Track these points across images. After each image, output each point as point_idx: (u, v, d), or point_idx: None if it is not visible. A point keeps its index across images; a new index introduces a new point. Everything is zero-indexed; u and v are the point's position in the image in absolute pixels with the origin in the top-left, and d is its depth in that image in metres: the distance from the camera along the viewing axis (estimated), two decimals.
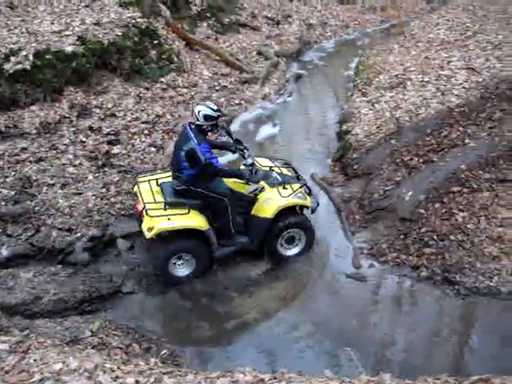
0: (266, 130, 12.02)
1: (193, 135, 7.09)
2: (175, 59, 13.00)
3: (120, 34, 11.73)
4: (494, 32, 13.46)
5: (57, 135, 9.66)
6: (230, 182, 7.64)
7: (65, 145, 9.55)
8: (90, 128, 10.06)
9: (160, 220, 7.05)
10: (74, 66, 10.53)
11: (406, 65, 12.80)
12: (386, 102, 11.15)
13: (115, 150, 9.92)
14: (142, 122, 10.78)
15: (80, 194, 8.74)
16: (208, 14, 15.97)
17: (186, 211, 7.13)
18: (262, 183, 7.65)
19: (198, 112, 7.15)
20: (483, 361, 5.93)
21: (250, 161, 7.52)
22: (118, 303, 7.33)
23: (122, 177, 9.36)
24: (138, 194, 7.57)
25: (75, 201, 8.54)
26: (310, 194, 7.95)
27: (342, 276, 7.57)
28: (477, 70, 11.42)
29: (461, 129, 9.45)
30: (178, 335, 6.86)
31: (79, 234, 8.04)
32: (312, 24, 18.65)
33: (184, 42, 14.01)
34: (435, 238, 7.60)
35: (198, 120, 7.18)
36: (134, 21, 12.39)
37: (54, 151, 9.38)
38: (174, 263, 7.47)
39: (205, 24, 15.60)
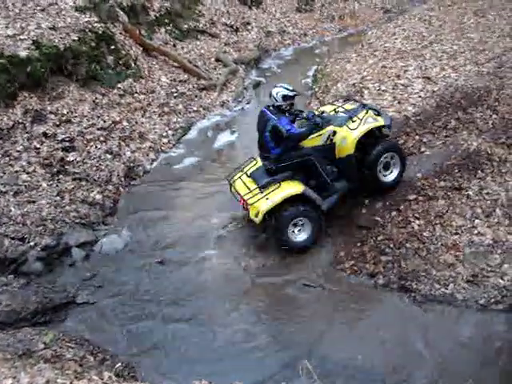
0: (224, 137, 12.00)
1: (271, 115, 7.68)
2: (132, 65, 12.88)
3: (76, 38, 11.56)
4: (449, 42, 13.68)
5: (10, 141, 9.39)
6: (306, 142, 7.98)
7: (18, 151, 9.31)
8: (45, 134, 9.82)
9: (260, 203, 7.61)
10: (29, 71, 10.27)
11: (364, 73, 12.91)
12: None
13: (70, 156, 9.74)
14: (98, 129, 10.63)
15: (33, 202, 8.57)
16: (166, 20, 15.84)
17: (278, 185, 7.65)
18: (331, 127, 8.01)
19: (277, 93, 7.77)
20: (435, 368, 6.00)
21: (309, 115, 8.06)
22: (72, 314, 7.19)
23: (76, 184, 9.21)
24: (236, 193, 8.17)
25: (28, 209, 8.37)
26: (379, 114, 8.23)
27: (299, 284, 7.53)
28: (432, 80, 11.57)
29: (417, 137, 9.55)
30: (133, 346, 6.74)
31: (32, 243, 7.89)
32: (271, 32, 18.73)
33: (142, 48, 13.86)
34: (392, 245, 7.65)
35: (276, 101, 7.77)
36: (90, 26, 12.24)
37: (7, 158, 9.14)
38: (293, 231, 7.87)
39: (163, 30, 15.46)
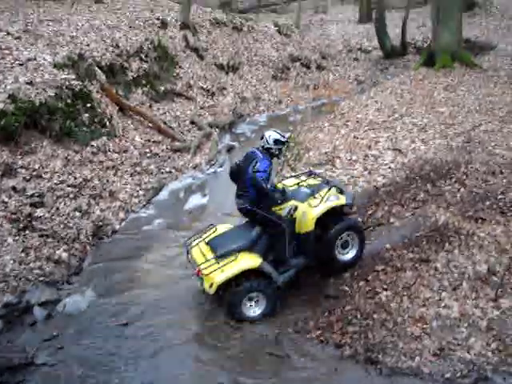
0: (196, 200, 12.00)
1: (259, 153, 7.76)
2: (107, 124, 12.94)
3: (52, 94, 11.61)
4: (419, 115, 14.02)
5: None
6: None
7: None
8: (14, 188, 9.69)
9: (215, 274, 7.39)
10: (3, 124, 10.24)
11: (336, 143, 13.09)
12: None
13: (38, 212, 9.60)
14: (69, 186, 10.55)
15: None
16: (144, 81, 16.05)
17: (235, 257, 7.49)
18: (293, 202, 7.96)
19: (269, 136, 7.88)
20: None
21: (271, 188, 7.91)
22: (30, 375, 6.92)
23: (43, 241, 9.07)
24: (193, 260, 7.92)
25: None
26: (341, 192, 8.23)
27: (262, 353, 7.40)
28: (403, 152, 11.79)
29: (386, 208, 9.65)
30: None
31: None
32: (246, 97, 19.04)
33: (118, 107, 13.98)
34: (359, 316, 7.57)
35: (267, 143, 7.86)
36: (67, 83, 12.31)
37: None
38: (248, 305, 7.73)
39: (140, 91, 15.64)
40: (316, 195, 8.03)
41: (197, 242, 8.23)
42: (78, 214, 10.16)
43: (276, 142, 7.87)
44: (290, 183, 8.68)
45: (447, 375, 6.56)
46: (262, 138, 7.98)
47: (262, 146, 7.92)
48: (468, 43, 22.06)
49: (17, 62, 12.09)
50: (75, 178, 10.86)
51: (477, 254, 8.02)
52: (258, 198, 7.70)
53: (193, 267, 7.95)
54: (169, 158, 13.57)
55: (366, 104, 16.18)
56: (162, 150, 13.70)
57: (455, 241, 8.30)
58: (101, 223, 10.37)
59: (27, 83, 11.43)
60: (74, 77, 12.76)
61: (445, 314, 7.25)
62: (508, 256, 7.87)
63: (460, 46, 19.64)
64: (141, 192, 11.86)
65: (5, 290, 7.90)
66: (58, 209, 9.97)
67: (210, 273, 7.40)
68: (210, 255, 7.70)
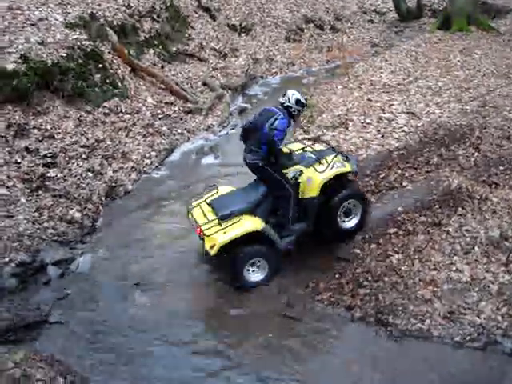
0: (208, 161, 11.98)
1: (279, 112, 7.62)
2: (119, 84, 12.88)
3: (64, 55, 11.58)
4: (434, 79, 13.89)
5: None
6: None
7: None
8: (27, 149, 9.75)
9: (217, 236, 7.33)
10: (15, 85, 10.23)
11: (349, 106, 13.00)
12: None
13: (51, 173, 9.66)
14: (81, 146, 10.58)
15: (11, 216, 8.45)
16: (156, 42, 15.91)
17: (238, 219, 7.46)
18: (298, 167, 7.92)
19: (292, 94, 7.78)
20: None
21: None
22: (44, 333, 7.05)
23: (56, 201, 9.12)
24: (193, 220, 7.88)
25: (5, 224, 8.25)
26: (347, 159, 8.22)
27: (276, 315, 7.43)
28: (417, 115, 11.71)
29: (399, 171, 9.61)
30: (105, 369, 6.62)
31: (7, 259, 7.75)
32: (259, 59, 18.83)
33: (129, 68, 13.88)
34: (370, 278, 7.61)
35: (288, 101, 7.74)
36: (79, 43, 12.28)
37: None
38: (249, 270, 7.74)
39: (152, 51, 15.50)
40: (322, 161, 7.98)
41: (198, 202, 8.21)
42: (90, 174, 10.20)
43: (297, 101, 7.77)
44: (295, 147, 8.55)
45: (457, 338, 6.62)
46: (284, 96, 7.86)
47: (282, 104, 7.81)
48: (484, 6, 21.61)
49: (28, 22, 12.00)
50: (87, 139, 10.87)
51: (489, 218, 8.01)
52: (269, 156, 7.65)
53: (193, 227, 7.95)
54: (181, 119, 13.50)
55: (380, 66, 16.00)
56: (174, 112, 13.63)
57: (468, 205, 8.28)
58: (113, 184, 10.40)
59: (39, 43, 11.39)
60: (85, 37, 12.70)
61: (456, 278, 7.27)
62: None
63: (476, 8, 19.35)
64: (153, 153, 11.82)
65: (19, 249, 7.96)
66: (70, 169, 10.02)
67: (212, 234, 7.37)
68: (211, 216, 7.65)
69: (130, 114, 12.47)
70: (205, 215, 7.74)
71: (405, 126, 11.28)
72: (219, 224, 7.42)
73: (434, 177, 9.24)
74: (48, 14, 12.68)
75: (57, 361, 6.45)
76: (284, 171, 7.79)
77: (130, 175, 10.87)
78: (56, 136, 10.39)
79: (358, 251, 8.13)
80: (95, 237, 9.23)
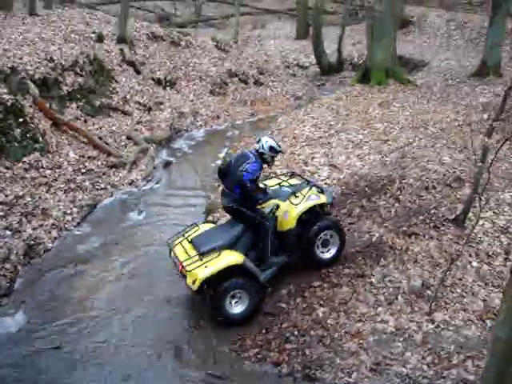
0: (131, 217, 11.76)
1: (252, 156, 7.97)
2: (40, 139, 12.60)
3: None
4: (355, 131, 14.25)
5: None
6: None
7: None
8: None
9: (199, 270, 7.46)
10: None
11: None
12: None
13: None
14: None
15: None
16: (79, 96, 15.66)
17: (218, 254, 7.59)
18: (275, 201, 8.24)
19: (265, 142, 8.15)
20: None
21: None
22: None
23: None
24: (175, 257, 8.00)
25: None
26: (322, 191, 8.53)
27: (201, 373, 7.26)
28: (338, 167, 11.94)
29: None
30: None
31: None
32: (183, 112, 18.85)
33: (51, 122, 13.61)
34: (296, 333, 7.57)
35: (262, 148, 8.10)
36: None
37: None
38: (230, 302, 7.82)
39: (75, 105, 15.25)
40: (297, 194, 8.29)
41: (179, 240, 8.33)
42: (8, 232, 9.81)
43: (271, 148, 8.13)
44: (271, 183, 8.92)
45: None
46: (259, 142, 8.24)
47: (257, 150, 8.14)
48: (402, 60, 22.57)
49: None
50: (6, 196, 10.53)
51: (411, 268, 8.18)
52: (243, 197, 7.94)
53: (175, 265, 8.02)
54: (104, 174, 13.26)
55: (302, 120, 16.34)
56: (97, 166, 13.39)
57: (390, 256, 8.46)
58: (33, 242, 10.02)
59: None
60: (5, 91, 12.40)
61: (381, 329, 7.33)
62: (441, 270, 8.02)
63: (394, 62, 20.13)
64: (75, 209, 11.51)
65: None
66: None
67: (194, 269, 7.49)
68: (192, 252, 7.80)
69: (51, 169, 12.19)
70: (186, 252, 7.88)
71: (327, 178, 11.48)
72: (200, 259, 7.55)
73: (356, 228, 9.41)
74: None
75: None
76: (261, 206, 8.09)
77: (50, 232, 10.49)
78: None
79: (284, 305, 8.11)
80: (13, 299, 8.82)
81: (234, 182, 7.98)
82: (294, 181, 9.04)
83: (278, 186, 8.82)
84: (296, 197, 8.28)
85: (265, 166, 8.36)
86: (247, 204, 8.01)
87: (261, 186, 8.43)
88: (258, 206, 8.13)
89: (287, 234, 8.23)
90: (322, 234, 8.40)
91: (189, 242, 8.13)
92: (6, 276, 9.11)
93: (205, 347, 7.69)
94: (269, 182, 9.01)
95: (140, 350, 7.66)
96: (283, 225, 8.23)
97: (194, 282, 7.50)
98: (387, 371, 6.79)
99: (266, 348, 7.46)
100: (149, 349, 7.69)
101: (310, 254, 8.45)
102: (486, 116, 14.39)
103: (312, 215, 8.46)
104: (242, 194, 7.93)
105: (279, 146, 8.34)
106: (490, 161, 7.79)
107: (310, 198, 8.34)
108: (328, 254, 8.58)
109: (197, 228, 8.52)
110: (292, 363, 7.16)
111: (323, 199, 8.51)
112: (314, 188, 8.49)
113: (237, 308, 7.88)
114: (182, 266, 7.61)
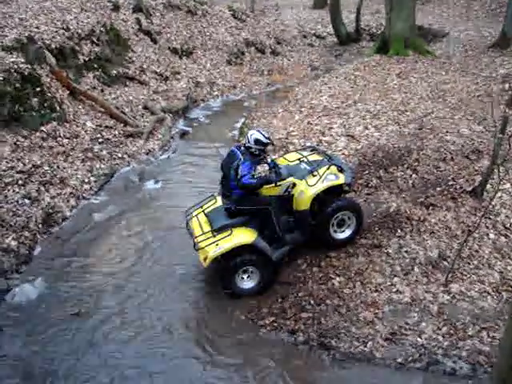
0: (148, 186, 11.81)
1: (239, 154, 7.75)
2: (57, 108, 12.61)
3: (1, 78, 11.25)
4: (373, 102, 14.12)
5: None
6: (265, 190, 7.98)
7: None
8: None
9: (210, 248, 7.56)
10: None
11: (290, 129, 13.11)
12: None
13: None
14: (17, 172, 10.26)
15: None
16: (95, 65, 15.66)
17: (229, 232, 7.63)
18: (291, 179, 8.05)
19: (251, 135, 7.90)
20: None
21: (271, 163, 8.27)
22: None
23: None
24: (191, 230, 8.14)
25: None
26: (341, 170, 8.20)
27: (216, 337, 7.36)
28: (356, 138, 11.87)
29: None
30: None
31: None
32: (200, 82, 18.83)
33: (68, 92, 13.61)
34: (312, 302, 7.63)
35: (248, 142, 7.85)
36: (16, 66, 11.93)
37: None
38: (242, 277, 7.91)
39: (91, 75, 15.24)
40: (315, 173, 8.07)
41: (196, 212, 8.47)
42: (27, 201, 9.89)
43: (256, 141, 7.84)
44: (291, 158, 8.80)
45: (399, 360, 6.68)
46: (245, 136, 8.09)
47: (244, 145, 7.97)
48: (421, 30, 22.23)
49: None
50: (24, 164, 10.57)
51: (428, 239, 8.17)
52: (244, 195, 7.82)
53: (191, 236, 8.07)
54: (121, 143, 13.30)
55: (320, 90, 16.23)
56: (114, 136, 13.43)
57: (407, 227, 8.44)
58: (51, 210, 10.11)
59: None
60: (23, 60, 12.39)
61: (396, 299, 7.37)
62: (458, 241, 8.01)
63: (413, 33, 19.81)
64: (92, 178, 11.60)
65: None
66: (6, 196, 9.70)
67: (206, 246, 7.59)
68: (206, 227, 7.91)
69: (68, 138, 12.23)
70: (200, 226, 8.02)
71: (344, 148, 11.41)
72: (213, 235, 7.65)
73: (373, 199, 9.38)
74: None
75: None
76: (278, 183, 7.94)
77: (68, 201, 10.60)
78: None
79: (300, 274, 8.14)
80: (32, 266, 8.95)
81: (233, 186, 7.81)
82: (314, 157, 8.75)
83: (297, 161, 8.60)
84: (313, 175, 8.04)
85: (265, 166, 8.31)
86: (246, 201, 7.87)
87: (281, 160, 8.50)
88: (274, 186, 7.95)
89: (302, 214, 8.08)
90: (337, 215, 8.19)
91: (205, 215, 8.25)
92: (25, 244, 9.21)
93: (221, 314, 7.78)
94: (289, 157, 8.91)
95: (156, 316, 7.78)
96: (298, 204, 8.06)
97: (204, 260, 7.61)
98: (402, 341, 6.86)
99: (282, 316, 7.52)
100: (165, 314, 7.80)
101: (323, 234, 8.27)
102: (506, 86, 14.19)
103: (329, 194, 8.21)
104: (244, 193, 7.80)
105: (267, 138, 7.98)
106: (509, 132, 7.71)
107: (327, 179, 8.02)
108: (343, 234, 8.40)
109: (214, 201, 8.54)
110: (308, 332, 7.23)
111: (341, 179, 8.12)
112: (333, 167, 8.15)
113: (247, 283, 7.94)
114: (196, 241, 7.71)
